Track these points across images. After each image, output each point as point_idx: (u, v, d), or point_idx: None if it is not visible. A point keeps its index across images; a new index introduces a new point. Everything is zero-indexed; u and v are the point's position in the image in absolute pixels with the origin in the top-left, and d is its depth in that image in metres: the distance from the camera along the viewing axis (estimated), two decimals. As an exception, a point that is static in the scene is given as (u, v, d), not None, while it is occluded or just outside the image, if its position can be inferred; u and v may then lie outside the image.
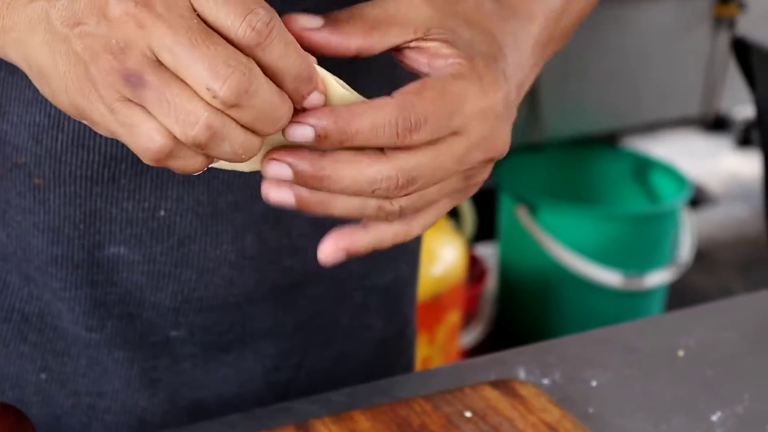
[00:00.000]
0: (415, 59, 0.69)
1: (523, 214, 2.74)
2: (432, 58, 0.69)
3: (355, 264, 0.95)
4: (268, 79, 0.60)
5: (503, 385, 0.88)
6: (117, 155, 0.82)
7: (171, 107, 0.60)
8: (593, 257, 2.71)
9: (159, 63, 0.60)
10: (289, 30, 0.63)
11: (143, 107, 0.61)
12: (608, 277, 2.70)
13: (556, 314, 2.81)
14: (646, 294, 2.79)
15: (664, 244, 2.82)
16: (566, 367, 0.95)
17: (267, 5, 0.60)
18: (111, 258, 0.86)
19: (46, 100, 0.79)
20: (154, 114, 0.61)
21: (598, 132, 3.00)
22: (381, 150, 0.66)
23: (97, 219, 0.85)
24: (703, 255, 3.43)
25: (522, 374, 0.94)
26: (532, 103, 2.74)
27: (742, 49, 2.38)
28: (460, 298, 2.47)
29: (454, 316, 2.44)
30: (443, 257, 2.39)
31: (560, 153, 3.02)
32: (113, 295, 0.87)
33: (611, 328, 1.04)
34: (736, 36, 2.68)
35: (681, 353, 0.97)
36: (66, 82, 0.63)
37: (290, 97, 0.62)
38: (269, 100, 0.60)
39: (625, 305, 2.77)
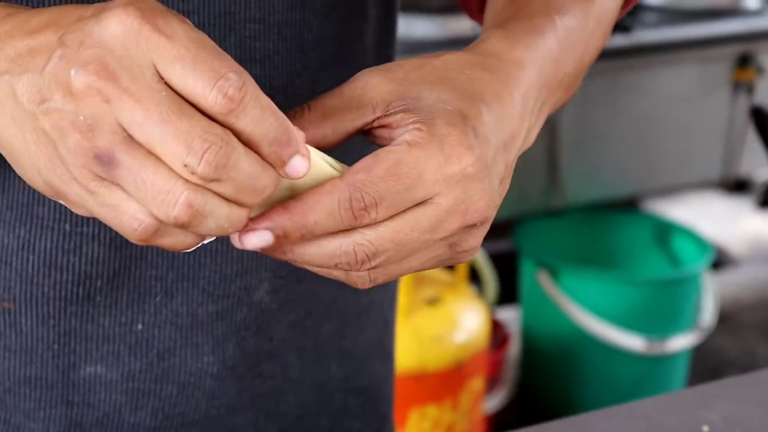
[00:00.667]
0: (379, 136, 0.67)
1: (544, 279, 2.74)
2: (393, 130, 0.66)
3: (335, 366, 0.94)
4: (247, 149, 0.57)
5: (528, 463, 0.89)
6: (92, 273, 0.79)
7: (147, 187, 0.57)
8: (615, 322, 2.71)
9: (131, 139, 0.56)
10: None
11: (120, 186, 0.58)
12: (631, 341, 2.70)
13: (579, 378, 2.81)
14: (669, 358, 2.78)
15: (687, 307, 2.82)
16: (591, 444, 0.95)
17: (238, 66, 0.57)
18: (87, 378, 0.82)
19: (13, 221, 0.78)
20: (131, 194, 0.58)
21: (619, 196, 3.01)
22: None
23: (72, 338, 0.81)
24: (725, 317, 3.42)
25: (547, 451, 0.94)
26: (552, 168, 2.75)
27: (761, 117, 2.39)
28: (483, 363, 2.46)
29: (477, 382, 2.44)
30: (466, 324, 2.39)
31: (581, 217, 3.03)
32: (90, 417, 0.84)
33: (636, 403, 1.04)
34: (755, 104, 2.70)
35: (705, 429, 0.98)
36: (37, 161, 0.59)
37: (270, 163, 0.59)
38: (250, 171, 0.58)
39: (647, 369, 2.76)
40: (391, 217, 0.63)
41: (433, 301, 2.39)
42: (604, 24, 0.83)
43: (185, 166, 0.56)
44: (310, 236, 0.62)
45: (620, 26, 2.69)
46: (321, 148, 0.65)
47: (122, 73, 0.56)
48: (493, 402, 2.66)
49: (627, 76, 2.78)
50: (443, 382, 2.35)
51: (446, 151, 0.63)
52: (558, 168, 2.75)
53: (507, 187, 0.70)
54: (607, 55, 2.70)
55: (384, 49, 0.93)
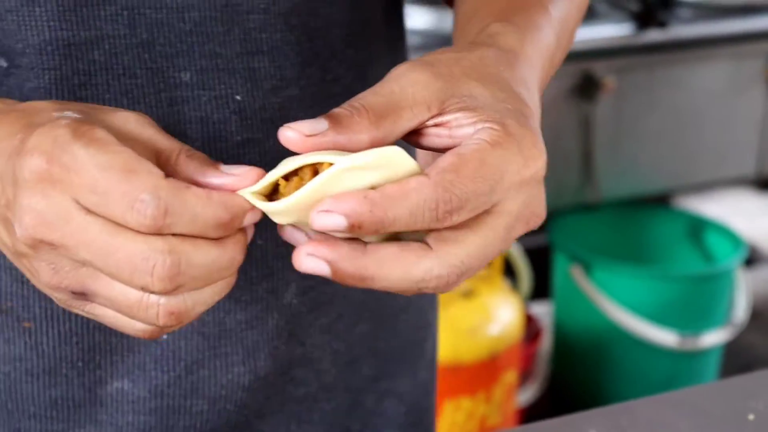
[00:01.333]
0: (435, 135, 0.64)
1: (577, 273, 2.74)
2: (455, 129, 0.63)
3: (366, 368, 0.92)
4: (195, 245, 0.57)
5: (577, 448, 0.90)
6: None
7: (126, 307, 0.59)
8: (648, 317, 2.71)
9: (93, 270, 0.58)
10: (291, 139, 0.60)
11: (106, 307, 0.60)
12: (663, 336, 2.70)
13: (611, 373, 2.80)
14: (702, 354, 2.78)
15: (720, 304, 2.82)
16: (638, 431, 0.96)
17: (153, 180, 0.57)
18: (115, 395, 0.80)
19: None
20: (117, 312, 0.60)
21: (652, 192, 3.01)
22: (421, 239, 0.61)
23: (97, 353, 0.79)
24: (758, 314, 3.40)
25: (594, 437, 0.95)
26: (586, 163, 2.75)
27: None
28: (516, 357, 2.47)
29: (510, 375, 2.45)
30: (500, 317, 2.40)
31: (615, 213, 3.03)
32: None
33: (681, 391, 1.05)
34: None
35: (751, 417, 0.98)
36: (32, 281, 0.62)
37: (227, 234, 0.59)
38: (208, 260, 0.58)
39: (680, 365, 2.76)
40: (466, 225, 0.61)
41: (468, 294, 2.40)
42: (582, 10, 0.83)
43: (142, 288, 0.57)
44: (383, 231, 0.59)
45: (656, 21, 2.69)
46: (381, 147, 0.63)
47: (51, 219, 0.57)
48: (526, 395, 2.66)
49: (662, 71, 2.78)
50: (477, 374, 2.36)
51: (525, 154, 0.61)
52: (592, 163, 2.75)
53: None
54: (642, 50, 2.70)
55: (393, 31, 0.92)
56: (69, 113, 0.61)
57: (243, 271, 0.80)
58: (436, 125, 0.64)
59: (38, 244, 0.58)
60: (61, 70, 0.74)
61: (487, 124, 0.62)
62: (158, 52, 0.75)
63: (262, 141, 0.79)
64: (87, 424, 0.82)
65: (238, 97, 0.77)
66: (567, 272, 2.78)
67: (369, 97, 0.63)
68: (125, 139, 0.60)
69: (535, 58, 0.71)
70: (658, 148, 2.88)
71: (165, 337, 0.80)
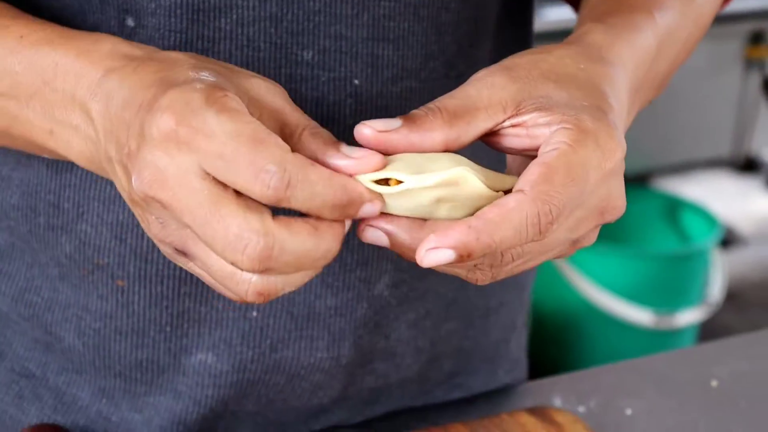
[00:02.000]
0: (514, 136, 0.64)
1: (554, 253, 2.75)
2: (532, 128, 0.63)
3: (449, 364, 0.93)
4: (291, 232, 0.58)
5: (540, 412, 0.90)
6: None
7: (219, 278, 0.60)
8: (624, 296, 2.71)
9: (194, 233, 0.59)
10: (363, 135, 0.62)
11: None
12: (639, 315, 2.71)
13: (587, 352, 2.82)
14: (677, 333, 2.79)
15: (695, 283, 2.83)
16: (601, 396, 0.96)
17: (280, 152, 0.57)
18: (197, 367, 0.82)
19: None
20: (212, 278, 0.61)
21: (630, 172, 3.01)
22: None
23: (185, 320, 0.80)
24: (733, 295, 3.42)
25: (558, 402, 0.96)
26: (563, 142, 2.75)
27: (773, 90, 2.39)
28: (491, 334, 2.48)
29: (485, 353, 2.45)
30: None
31: (591, 192, 3.03)
32: (195, 415, 0.83)
33: (645, 358, 1.06)
34: (767, 76, 2.70)
35: (714, 383, 0.99)
36: (143, 225, 0.63)
37: (338, 220, 0.60)
38: (302, 249, 0.58)
39: (655, 344, 2.77)
40: None
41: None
42: (701, 26, 0.82)
43: (232, 263, 0.58)
44: (491, 254, 0.60)
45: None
46: (451, 150, 0.64)
47: (169, 178, 0.58)
48: (501, 374, 2.67)
49: (639, 51, 2.78)
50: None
51: (603, 147, 0.62)
52: (569, 142, 2.76)
53: None
54: (620, 30, 2.70)
55: (519, 31, 0.91)
56: (205, 74, 0.61)
57: (338, 256, 0.80)
58: (513, 126, 0.64)
59: (150, 200, 0.59)
60: (186, 33, 0.74)
61: (562, 124, 0.62)
62: (284, 27, 0.75)
63: None
64: (167, 392, 0.83)
65: (356, 81, 0.77)
66: (543, 251, 2.79)
67: (445, 99, 0.64)
68: (255, 105, 0.61)
69: (627, 56, 0.70)
70: (635, 128, 2.87)
71: (255, 313, 0.80)
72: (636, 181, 3.28)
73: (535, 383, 1.00)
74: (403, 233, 0.62)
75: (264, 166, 0.57)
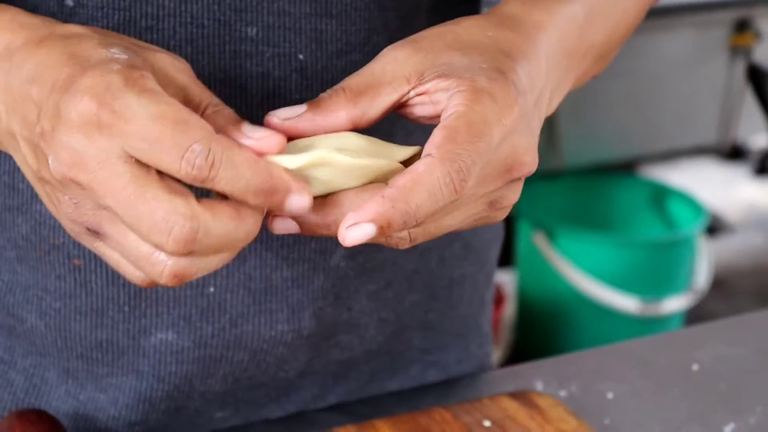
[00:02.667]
0: (420, 104, 0.66)
1: (541, 241, 2.76)
2: (433, 95, 0.65)
3: (417, 338, 0.93)
4: (215, 215, 0.58)
5: (521, 396, 0.91)
6: None
7: (133, 258, 0.60)
8: (610, 283, 2.72)
9: (114, 215, 0.59)
10: (271, 125, 0.63)
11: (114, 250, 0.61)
12: (625, 302, 2.72)
13: (573, 338, 2.82)
14: (663, 320, 2.80)
15: (681, 270, 2.84)
16: (583, 380, 0.97)
17: (204, 132, 0.58)
18: (158, 346, 0.82)
19: None
20: (123, 258, 0.61)
21: (616, 160, 3.02)
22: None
23: (143, 300, 0.81)
24: (719, 282, 3.43)
25: (540, 386, 0.96)
26: (550, 130, 2.76)
27: (758, 77, 2.40)
28: (478, 322, 2.48)
29: (472, 341, 2.46)
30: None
31: (578, 180, 3.04)
32: (160, 392, 0.84)
33: (627, 342, 1.06)
34: (752, 64, 2.70)
35: (695, 367, 0.99)
36: (48, 208, 0.63)
37: (263, 208, 0.60)
38: (223, 233, 0.59)
39: (641, 331, 2.78)
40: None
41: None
42: (640, 1, 0.82)
43: (156, 245, 0.58)
44: (412, 222, 0.61)
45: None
46: (361, 127, 0.66)
47: (89, 161, 0.58)
48: (488, 361, 2.67)
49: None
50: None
51: (500, 103, 0.63)
52: (556, 131, 2.76)
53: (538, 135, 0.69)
54: (605, 17, 2.70)
55: (465, 6, 0.91)
56: (116, 51, 0.61)
57: None
58: (418, 95, 0.66)
59: (68, 182, 0.59)
60: (129, 11, 0.74)
61: (458, 87, 0.64)
62: (227, 4, 0.75)
63: None
64: (129, 372, 0.83)
65: (300, 56, 0.78)
66: (530, 239, 2.80)
67: (350, 78, 0.66)
68: (160, 81, 0.61)
69: (546, 22, 0.71)
70: (622, 116, 2.89)
71: (212, 289, 0.81)
72: (622, 169, 3.29)
73: (517, 368, 1.01)
74: (310, 215, 0.63)
75: (189, 145, 0.57)
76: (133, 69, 0.59)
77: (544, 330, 2.89)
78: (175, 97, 0.61)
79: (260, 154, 0.61)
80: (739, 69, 2.96)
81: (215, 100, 0.64)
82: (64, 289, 0.81)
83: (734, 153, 4.37)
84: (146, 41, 0.73)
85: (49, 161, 0.59)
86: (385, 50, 0.67)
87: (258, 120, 0.77)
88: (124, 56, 0.61)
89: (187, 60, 0.75)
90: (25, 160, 0.63)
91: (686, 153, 3.29)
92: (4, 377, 0.87)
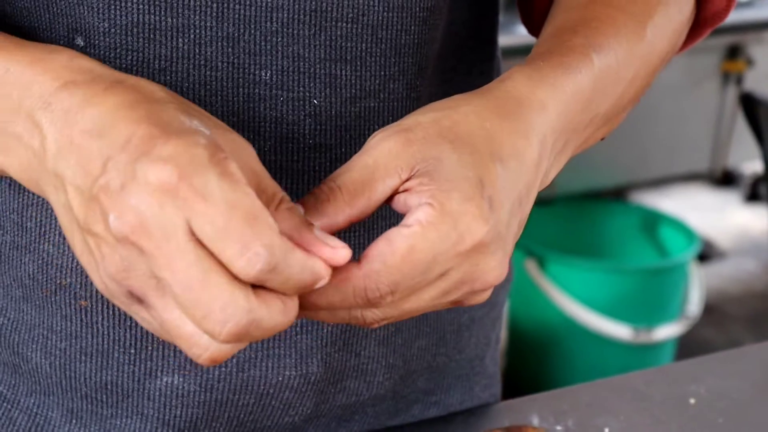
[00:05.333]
0: (397, 201, 0.66)
1: (532, 268, 2.75)
2: (409, 195, 0.64)
3: (422, 381, 0.93)
4: (269, 310, 0.58)
5: (517, 431, 0.90)
6: None
7: (174, 334, 0.59)
8: (602, 310, 2.72)
9: (163, 287, 0.58)
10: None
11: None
12: (617, 330, 2.71)
13: (566, 367, 2.82)
14: (655, 347, 2.80)
15: (673, 297, 2.83)
16: (579, 414, 0.96)
17: (270, 235, 0.57)
18: (164, 390, 0.81)
19: None
20: (160, 330, 0.60)
21: (607, 186, 3.02)
22: None
23: (149, 342, 0.80)
24: (712, 309, 3.43)
25: (536, 421, 0.95)
26: (541, 157, 2.76)
27: (751, 104, 2.40)
28: (470, 350, 2.47)
29: (464, 368, 2.45)
30: (454, 309, 2.40)
31: (569, 207, 3.04)
32: None
33: (623, 376, 1.05)
34: (744, 91, 2.71)
35: (692, 401, 0.99)
36: (83, 260, 0.61)
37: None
38: (272, 325, 0.59)
39: (634, 358, 2.78)
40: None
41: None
42: (651, 65, 0.81)
43: (206, 332, 0.57)
44: (322, 313, 0.64)
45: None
46: (362, 220, 0.67)
47: (155, 229, 0.56)
48: (480, 389, 2.66)
49: (617, 66, 2.79)
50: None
51: (460, 229, 0.63)
52: (547, 157, 2.76)
53: (520, 233, 0.69)
54: (597, 44, 2.71)
55: (483, 51, 0.91)
56: (197, 123, 0.60)
57: None
58: (403, 191, 0.65)
59: (128, 244, 0.57)
60: (143, 52, 0.73)
61: (429, 200, 0.63)
62: (242, 48, 0.75)
63: (334, 147, 0.79)
64: (134, 415, 0.82)
65: (315, 101, 0.77)
66: (521, 266, 2.79)
67: (344, 174, 0.65)
68: (238, 161, 0.60)
69: (549, 100, 0.70)
70: (613, 142, 2.89)
71: None
72: (613, 196, 3.29)
73: (513, 402, 0.99)
74: None
75: (253, 246, 0.56)
76: (219, 148, 0.58)
77: (535, 357, 2.88)
78: (250, 183, 0.60)
79: (330, 264, 0.61)
80: (731, 95, 2.96)
81: (287, 196, 0.62)
82: (69, 329, 0.80)
83: (725, 179, 4.38)
84: (160, 83, 0.71)
85: (110, 218, 0.57)
86: (376, 139, 0.66)
87: (270, 164, 0.77)
88: (207, 131, 0.59)
89: (200, 103, 0.75)
90: (69, 205, 0.60)
91: (677, 179, 3.29)
92: (7, 416, 0.86)
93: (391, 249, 0.62)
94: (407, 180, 0.65)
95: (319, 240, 0.61)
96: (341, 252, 0.61)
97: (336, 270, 0.62)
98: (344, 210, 0.64)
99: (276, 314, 0.59)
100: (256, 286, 0.58)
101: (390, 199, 0.66)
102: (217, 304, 0.56)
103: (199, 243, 0.56)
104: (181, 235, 0.56)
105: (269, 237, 0.57)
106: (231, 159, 0.58)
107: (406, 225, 0.63)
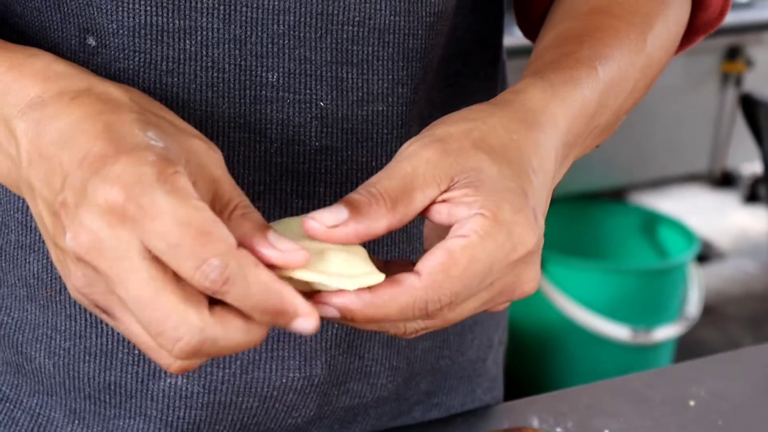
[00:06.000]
0: (438, 212, 0.65)
1: (531, 268, 2.75)
2: (453, 206, 0.64)
3: (425, 383, 0.93)
4: (225, 328, 0.58)
5: (517, 433, 0.90)
6: None
7: (142, 345, 0.59)
8: (601, 311, 2.72)
9: (124, 303, 0.58)
10: (311, 230, 0.62)
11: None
12: (616, 331, 2.71)
13: (565, 368, 2.81)
14: (654, 348, 2.79)
15: (672, 298, 2.83)
16: (579, 416, 0.96)
17: (225, 247, 0.57)
18: (167, 391, 0.81)
19: None
20: (130, 338, 0.60)
21: (606, 187, 3.02)
22: None
23: None
24: (711, 310, 3.43)
25: (535, 423, 0.95)
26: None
27: (750, 105, 2.40)
28: (469, 351, 2.47)
29: (463, 369, 2.45)
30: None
31: (568, 208, 3.04)
32: None
33: (622, 378, 1.05)
34: (744, 92, 2.71)
35: (692, 403, 0.98)
36: (57, 268, 0.62)
37: (269, 323, 0.60)
38: (231, 344, 0.59)
39: (633, 359, 2.77)
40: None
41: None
42: (649, 76, 0.82)
43: (161, 347, 0.58)
44: (374, 326, 0.64)
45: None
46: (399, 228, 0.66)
47: (108, 249, 0.57)
48: (479, 390, 2.66)
49: (616, 67, 2.78)
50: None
51: (514, 240, 0.63)
52: (546, 158, 2.76)
53: None
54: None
55: (488, 55, 0.91)
56: (152, 135, 0.60)
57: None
58: (443, 201, 0.65)
59: (83, 262, 0.58)
60: (151, 54, 0.74)
61: (480, 210, 0.63)
62: (249, 50, 0.75)
63: (340, 150, 0.79)
64: (137, 416, 0.82)
65: (321, 104, 0.77)
66: (521, 267, 2.78)
67: (384, 180, 0.64)
68: (193, 170, 0.60)
69: (560, 116, 0.71)
70: (612, 143, 2.88)
71: None
72: (613, 197, 3.29)
73: (512, 403, 0.99)
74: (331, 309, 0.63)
75: (207, 258, 0.56)
76: (168, 163, 0.58)
77: (534, 358, 2.88)
78: (206, 190, 0.60)
79: (282, 267, 0.60)
80: (730, 96, 2.96)
81: (245, 201, 0.62)
82: (74, 329, 0.80)
83: (725, 180, 4.38)
84: (166, 85, 0.73)
85: (67, 237, 0.58)
86: (413, 148, 0.66)
87: (276, 166, 0.77)
88: (160, 144, 0.59)
89: (206, 105, 0.75)
90: (41, 216, 0.61)
91: (677, 180, 3.29)
92: (9, 416, 0.86)
93: (452, 260, 0.62)
94: (445, 192, 0.64)
95: (268, 243, 0.60)
96: (293, 255, 0.60)
97: (391, 283, 0.62)
98: (385, 216, 0.63)
99: (234, 333, 0.59)
100: (218, 304, 0.58)
101: (426, 209, 0.66)
102: (168, 322, 0.57)
103: (156, 260, 0.57)
104: (134, 254, 0.57)
105: (223, 248, 0.57)
106: (181, 173, 0.58)
107: (462, 236, 0.63)
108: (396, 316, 0.62)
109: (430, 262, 0.62)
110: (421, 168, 0.64)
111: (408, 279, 0.62)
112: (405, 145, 0.66)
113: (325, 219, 0.63)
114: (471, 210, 0.63)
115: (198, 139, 0.62)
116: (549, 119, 0.70)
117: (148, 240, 0.57)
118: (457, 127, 0.67)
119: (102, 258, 0.57)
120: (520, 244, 0.63)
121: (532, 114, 0.69)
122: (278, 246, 0.60)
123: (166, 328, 0.57)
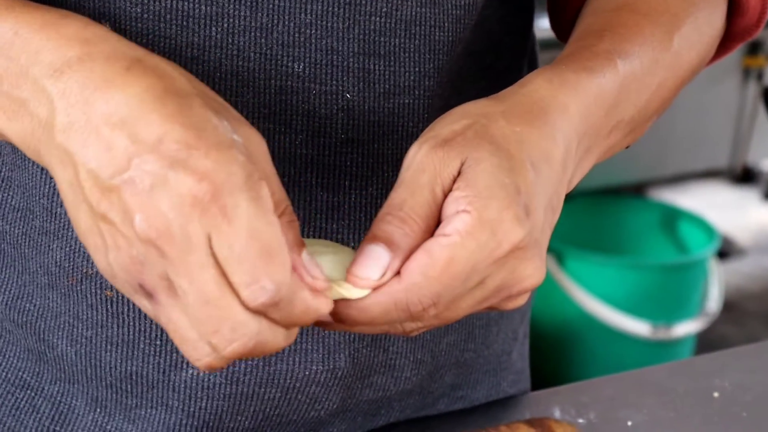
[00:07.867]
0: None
1: (550, 264, 2.74)
2: (448, 202, 0.64)
3: (450, 376, 0.92)
4: (275, 334, 0.59)
5: (539, 423, 0.89)
6: None
7: (178, 336, 0.59)
8: (621, 307, 2.71)
9: (175, 290, 0.58)
10: (358, 286, 0.62)
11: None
12: (636, 326, 2.70)
13: (585, 363, 2.81)
14: (674, 344, 2.78)
15: (693, 294, 2.82)
16: (601, 408, 0.95)
17: (282, 273, 0.57)
18: (189, 382, 0.80)
19: None
20: (164, 325, 0.60)
21: (626, 182, 3.01)
22: None
23: None
24: (731, 306, 3.42)
25: (557, 413, 0.94)
26: (560, 152, 2.75)
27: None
28: (488, 345, 2.47)
29: (482, 364, 2.44)
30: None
31: (588, 203, 3.03)
32: (188, 427, 0.82)
33: (645, 369, 1.04)
34: (766, 87, 2.69)
35: (716, 395, 0.98)
36: (87, 239, 0.60)
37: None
38: (275, 347, 0.60)
39: (652, 355, 2.77)
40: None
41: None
42: (677, 75, 0.81)
43: (210, 344, 0.58)
44: (362, 327, 0.64)
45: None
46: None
47: (180, 239, 0.56)
48: (498, 385, 2.66)
49: (637, 61, 2.77)
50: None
51: (498, 237, 0.63)
52: (566, 152, 2.75)
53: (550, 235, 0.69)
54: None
55: (517, 49, 0.91)
56: (227, 126, 0.59)
57: None
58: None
59: (149, 245, 0.57)
60: (175, 40, 0.73)
61: (467, 207, 0.63)
62: (275, 39, 0.74)
63: (366, 143, 0.78)
64: (159, 405, 0.82)
65: (348, 95, 0.77)
66: (540, 262, 2.78)
67: (409, 200, 0.64)
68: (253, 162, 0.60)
69: (572, 105, 0.70)
70: (633, 138, 2.88)
71: None
72: (633, 192, 3.28)
73: (535, 394, 0.99)
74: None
75: (261, 281, 0.57)
76: (254, 168, 0.58)
77: (554, 353, 2.87)
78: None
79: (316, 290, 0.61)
80: (752, 91, 2.95)
81: (290, 206, 0.62)
82: (95, 318, 0.79)
83: (745, 176, 4.36)
84: (191, 72, 0.69)
85: (136, 218, 0.56)
86: (421, 153, 0.65)
87: (301, 158, 0.77)
88: (239, 138, 0.59)
89: (231, 94, 0.74)
90: (79, 185, 0.59)
91: (697, 176, 3.28)
92: (30, 403, 0.85)
93: (431, 261, 0.62)
94: (452, 182, 0.64)
95: (303, 268, 0.61)
96: (318, 284, 0.61)
97: (374, 295, 0.62)
98: (422, 238, 0.63)
99: (280, 337, 0.60)
100: None
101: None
102: (228, 323, 0.57)
103: (215, 260, 0.57)
104: (203, 248, 0.56)
105: (281, 275, 0.57)
106: (263, 182, 0.58)
107: (444, 235, 0.62)
108: (381, 319, 0.63)
109: (410, 264, 0.62)
110: (438, 176, 0.64)
111: (390, 283, 0.63)
112: (413, 151, 0.66)
113: (370, 273, 0.63)
114: (458, 206, 0.63)
115: (251, 129, 0.61)
116: (557, 108, 0.69)
117: (216, 240, 0.56)
118: (459, 124, 0.67)
119: (173, 245, 0.56)
120: (505, 240, 0.63)
121: (537, 105, 0.69)
122: (311, 271, 0.61)
123: (224, 328, 0.57)
